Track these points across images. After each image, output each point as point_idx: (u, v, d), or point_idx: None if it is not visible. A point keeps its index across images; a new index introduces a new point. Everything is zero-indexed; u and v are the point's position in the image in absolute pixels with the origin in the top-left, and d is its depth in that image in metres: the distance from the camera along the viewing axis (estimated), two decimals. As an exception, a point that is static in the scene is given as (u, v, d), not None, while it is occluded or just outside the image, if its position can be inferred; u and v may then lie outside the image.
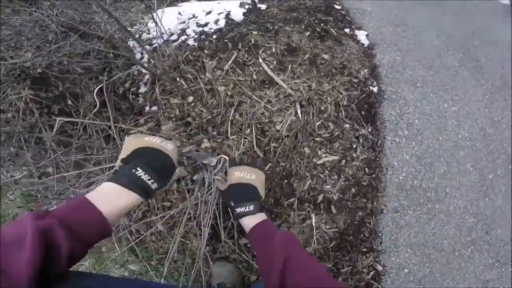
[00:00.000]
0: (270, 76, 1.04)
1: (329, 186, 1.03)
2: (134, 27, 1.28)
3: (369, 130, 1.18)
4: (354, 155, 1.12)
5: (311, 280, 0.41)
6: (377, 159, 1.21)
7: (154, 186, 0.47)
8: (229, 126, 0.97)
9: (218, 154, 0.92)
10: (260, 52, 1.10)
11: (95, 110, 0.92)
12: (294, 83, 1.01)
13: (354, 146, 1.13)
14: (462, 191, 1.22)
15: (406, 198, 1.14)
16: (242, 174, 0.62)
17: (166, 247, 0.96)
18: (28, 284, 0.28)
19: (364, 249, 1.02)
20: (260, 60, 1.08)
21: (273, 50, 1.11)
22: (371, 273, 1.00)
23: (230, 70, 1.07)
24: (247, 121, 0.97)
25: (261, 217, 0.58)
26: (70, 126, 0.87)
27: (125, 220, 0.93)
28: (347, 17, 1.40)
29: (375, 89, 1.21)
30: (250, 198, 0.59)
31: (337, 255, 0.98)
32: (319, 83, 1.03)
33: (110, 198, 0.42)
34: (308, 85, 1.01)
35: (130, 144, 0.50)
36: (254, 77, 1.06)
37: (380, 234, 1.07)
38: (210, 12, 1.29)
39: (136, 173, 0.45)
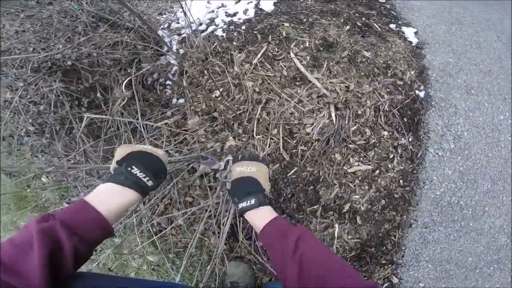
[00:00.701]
0: (302, 73, 0.94)
1: (357, 196, 0.93)
2: (163, 16, 1.25)
3: (410, 139, 1.03)
4: (389, 165, 0.99)
5: (328, 274, 0.37)
6: (415, 171, 1.07)
7: (149, 183, 0.48)
8: (255, 125, 0.89)
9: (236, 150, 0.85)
10: (292, 46, 1.00)
11: (123, 103, 0.91)
12: (330, 82, 0.90)
13: (391, 156, 0.99)
14: (502, 210, 1.11)
15: (439, 214, 1.06)
16: (243, 169, 0.59)
17: (185, 241, 0.95)
18: (43, 281, 0.29)
19: (384, 261, 0.98)
20: (292, 55, 0.98)
21: (307, 45, 1.00)
22: (385, 285, 0.97)
23: (259, 65, 0.99)
24: (274, 121, 0.88)
25: (270, 214, 0.53)
26: (99, 118, 0.86)
27: (148, 212, 0.91)
28: (392, 12, 1.23)
29: (421, 94, 1.05)
30: (251, 191, 0.55)
31: (355, 265, 0.95)
32: (359, 84, 0.91)
33: (108, 197, 0.43)
34: (346, 86, 0.89)
35: (123, 149, 0.52)
36: (285, 73, 0.96)
37: (403, 248, 1.02)
38: (239, 1, 1.21)
39: (132, 171, 0.46)
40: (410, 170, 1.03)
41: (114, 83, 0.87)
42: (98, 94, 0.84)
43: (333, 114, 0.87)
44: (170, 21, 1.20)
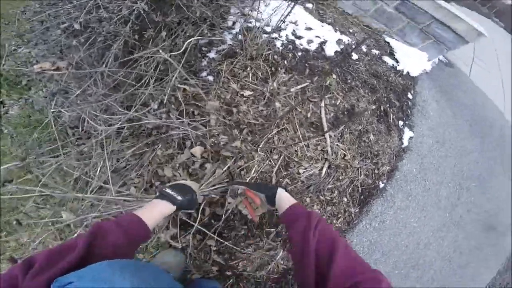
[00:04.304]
0: (321, 124, 0.99)
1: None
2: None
3: (356, 211, 1.23)
4: (334, 221, 1.16)
5: (335, 244, 0.42)
6: (345, 231, 1.28)
7: (178, 197, 0.59)
8: (264, 142, 0.92)
9: (241, 158, 0.87)
10: (326, 97, 1.04)
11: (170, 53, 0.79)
12: (337, 145, 0.98)
13: (339, 216, 1.16)
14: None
15: None
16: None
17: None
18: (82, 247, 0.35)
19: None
20: (322, 104, 1.01)
21: (338, 103, 1.05)
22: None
23: (294, 94, 1.00)
24: (280, 148, 0.92)
25: (294, 200, 0.61)
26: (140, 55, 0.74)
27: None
28: (409, 110, 1.37)
29: (381, 185, 1.24)
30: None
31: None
32: (353, 158, 1.02)
33: (147, 208, 0.55)
34: (344, 154, 0.99)
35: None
36: (308, 115, 1.00)
37: None
38: (310, 29, 1.17)
39: (165, 189, 0.61)
40: (343, 230, 1.23)
41: (181, 32, 0.76)
42: (163, 33, 0.73)
43: (324, 170, 0.96)
44: (245, 7, 1.07)
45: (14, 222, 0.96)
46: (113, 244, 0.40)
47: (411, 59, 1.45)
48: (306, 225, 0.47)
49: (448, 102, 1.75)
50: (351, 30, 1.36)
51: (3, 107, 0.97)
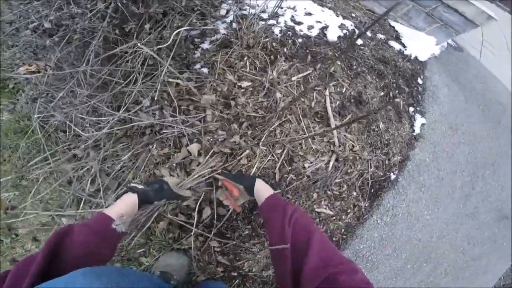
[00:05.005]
0: (327, 114, 0.91)
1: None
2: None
3: (366, 205, 1.14)
4: (343, 217, 1.08)
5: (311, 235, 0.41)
6: (355, 227, 1.20)
7: (139, 186, 0.60)
8: (265, 135, 0.84)
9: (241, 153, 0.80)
10: (331, 84, 0.95)
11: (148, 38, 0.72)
12: (344, 135, 0.90)
13: (349, 211, 1.08)
14: (396, 272, 1.30)
15: (356, 261, 1.19)
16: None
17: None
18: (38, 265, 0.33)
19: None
20: (327, 93, 0.93)
21: (343, 91, 0.96)
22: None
23: (295, 83, 0.92)
24: (284, 142, 0.85)
25: (272, 190, 0.61)
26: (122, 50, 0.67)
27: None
28: (419, 96, 1.27)
29: (392, 177, 1.15)
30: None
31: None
32: (362, 149, 0.93)
33: (113, 203, 0.55)
34: (353, 145, 0.90)
35: None
36: (312, 104, 0.92)
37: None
38: (310, 14, 1.08)
39: (130, 184, 0.63)
40: (353, 225, 1.16)
41: (168, 23, 0.68)
42: (147, 26, 0.66)
43: (331, 163, 0.88)
44: None
45: (19, 231, 0.93)
46: (81, 242, 0.39)
47: (419, 43, 1.34)
48: (282, 216, 0.46)
49: (460, 87, 1.63)
50: (353, 15, 1.26)
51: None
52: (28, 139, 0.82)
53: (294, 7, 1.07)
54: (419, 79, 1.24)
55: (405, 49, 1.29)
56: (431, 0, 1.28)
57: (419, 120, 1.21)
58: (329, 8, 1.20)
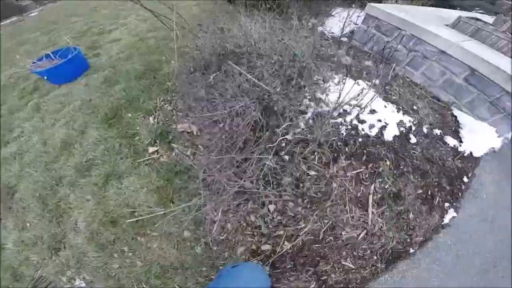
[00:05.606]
0: (367, 203, 1.25)
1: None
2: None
3: (382, 266, 1.47)
4: (361, 271, 1.46)
5: None
6: (369, 281, 1.56)
7: None
8: (319, 210, 1.26)
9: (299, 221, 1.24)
10: (377, 181, 1.26)
11: None
12: (377, 219, 1.24)
13: (367, 268, 1.45)
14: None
15: None
16: None
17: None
18: None
19: None
20: (372, 188, 1.25)
21: (386, 187, 1.26)
22: None
23: (349, 178, 1.26)
24: (330, 217, 1.25)
25: None
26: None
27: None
28: (459, 193, 1.34)
29: (411, 251, 1.43)
30: None
31: None
32: (388, 230, 1.26)
33: None
34: (381, 226, 1.24)
35: None
36: (358, 194, 1.26)
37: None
38: (373, 112, 1.33)
39: None
40: (368, 279, 1.53)
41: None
42: (266, 134, 1.12)
43: (361, 235, 1.25)
44: (316, 91, 1.30)
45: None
46: None
47: (478, 135, 1.42)
48: None
49: (512, 184, 1.60)
50: (415, 107, 1.42)
51: (157, 153, 1.56)
52: (183, 183, 1.45)
53: (360, 106, 1.33)
54: (465, 177, 1.38)
55: (460, 145, 1.40)
56: (496, 89, 1.31)
57: (450, 213, 1.39)
58: (392, 102, 1.40)
